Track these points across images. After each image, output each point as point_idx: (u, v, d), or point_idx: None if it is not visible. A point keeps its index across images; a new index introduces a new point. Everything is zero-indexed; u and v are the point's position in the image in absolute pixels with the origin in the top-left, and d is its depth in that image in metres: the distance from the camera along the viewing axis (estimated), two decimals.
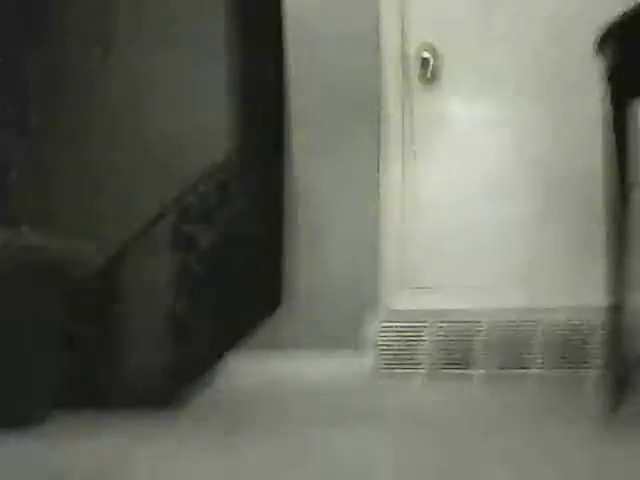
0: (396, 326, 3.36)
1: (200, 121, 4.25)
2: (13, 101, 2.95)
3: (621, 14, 2.12)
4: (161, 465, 1.65)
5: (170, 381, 2.64)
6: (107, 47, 2.91)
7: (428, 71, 3.37)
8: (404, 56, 3.41)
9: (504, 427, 2.11)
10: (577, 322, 3.10)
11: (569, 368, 3.10)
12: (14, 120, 2.87)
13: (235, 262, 3.55)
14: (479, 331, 3.30)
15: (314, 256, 3.46)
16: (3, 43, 2.94)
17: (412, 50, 3.40)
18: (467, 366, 3.27)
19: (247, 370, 3.20)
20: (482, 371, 3.25)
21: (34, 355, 2.23)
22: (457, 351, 3.29)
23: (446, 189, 3.39)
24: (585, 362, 3.06)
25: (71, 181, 3.08)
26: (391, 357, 3.33)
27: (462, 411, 2.45)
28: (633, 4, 2.13)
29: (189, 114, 4.23)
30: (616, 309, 2.25)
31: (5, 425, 1.98)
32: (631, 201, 2.21)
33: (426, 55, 3.34)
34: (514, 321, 3.25)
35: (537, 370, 3.20)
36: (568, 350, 3.14)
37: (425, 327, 3.33)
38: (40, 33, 3.02)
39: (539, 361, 3.23)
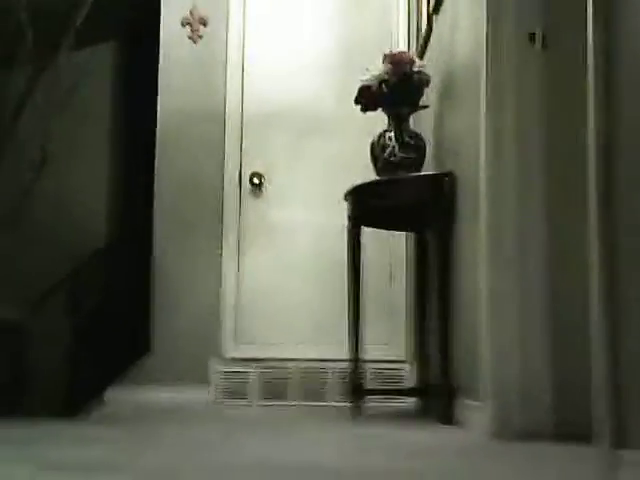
0: (230, 370, 4.69)
1: (89, 214, 5.47)
2: None
3: (356, 184, 3.62)
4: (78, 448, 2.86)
5: (70, 402, 3.86)
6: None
7: (256, 188, 4.77)
8: (240, 177, 4.80)
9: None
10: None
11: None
12: None
13: (114, 320, 4.78)
14: (289, 374, 4.67)
15: (172, 317, 4.68)
16: None
17: (245, 173, 4.80)
18: (282, 399, 4.62)
19: (124, 398, 4.46)
20: (293, 402, 4.61)
21: None
22: (273, 387, 4.65)
23: (267, 271, 4.73)
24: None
25: None
26: (227, 391, 4.66)
27: (276, 417, 3.77)
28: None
29: (81, 209, 5.45)
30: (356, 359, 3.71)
31: None
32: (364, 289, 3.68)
33: (255, 180, 4.75)
34: (311, 367, 4.65)
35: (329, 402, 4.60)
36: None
37: (250, 371, 4.68)
38: None
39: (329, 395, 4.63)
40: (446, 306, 3.32)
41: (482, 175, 2.78)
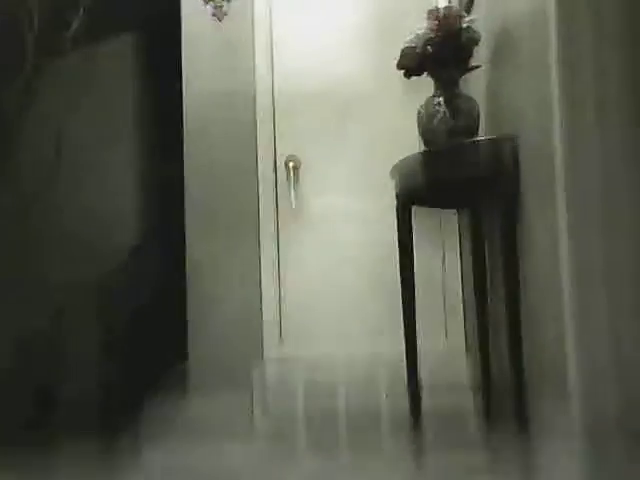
0: (276, 372, 4.32)
1: (115, 213, 5.15)
2: None
3: (402, 158, 3.22)
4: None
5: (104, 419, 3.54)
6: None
7: (292, 174, 4.40)
8: (275, 164, 4.42)
9: None
10: None
11: None
12: None
13: (148, 328, 4.44)
14: (339, 371, 4.29)
15: (209, 320, 4.34)
16: None
17: (280, 159, 4.41)
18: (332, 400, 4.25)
19: (163, 411, 4.13)
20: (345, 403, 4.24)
21: None
22: (320, 388, 4.27)
23: (306, 263, 4.36)
24: None
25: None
26: (273, 396, 4.29)
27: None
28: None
29: (106, 208, 5.13)
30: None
31: None
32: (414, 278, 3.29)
33: (291, 165, 4.37)
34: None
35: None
36: None
37: (295, 369, 4.31)
38: None
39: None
40: (514, 291, 2.91)
41: (557, 143, 2.36)
